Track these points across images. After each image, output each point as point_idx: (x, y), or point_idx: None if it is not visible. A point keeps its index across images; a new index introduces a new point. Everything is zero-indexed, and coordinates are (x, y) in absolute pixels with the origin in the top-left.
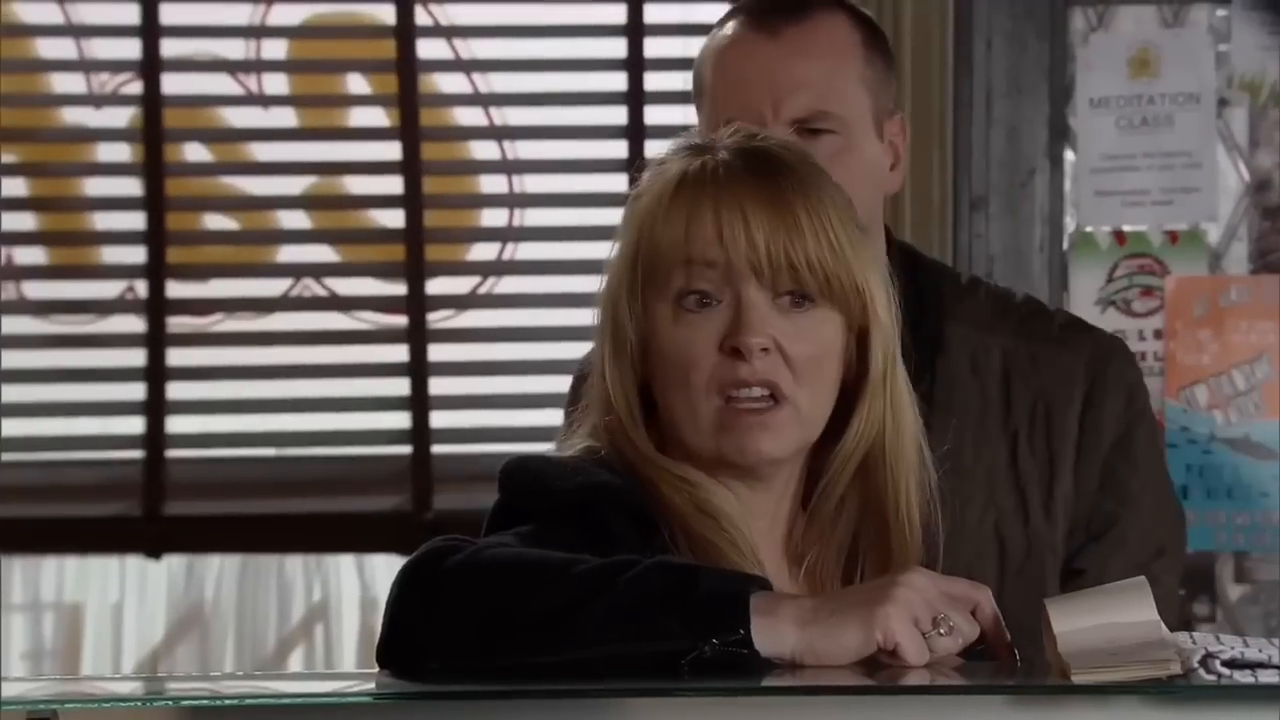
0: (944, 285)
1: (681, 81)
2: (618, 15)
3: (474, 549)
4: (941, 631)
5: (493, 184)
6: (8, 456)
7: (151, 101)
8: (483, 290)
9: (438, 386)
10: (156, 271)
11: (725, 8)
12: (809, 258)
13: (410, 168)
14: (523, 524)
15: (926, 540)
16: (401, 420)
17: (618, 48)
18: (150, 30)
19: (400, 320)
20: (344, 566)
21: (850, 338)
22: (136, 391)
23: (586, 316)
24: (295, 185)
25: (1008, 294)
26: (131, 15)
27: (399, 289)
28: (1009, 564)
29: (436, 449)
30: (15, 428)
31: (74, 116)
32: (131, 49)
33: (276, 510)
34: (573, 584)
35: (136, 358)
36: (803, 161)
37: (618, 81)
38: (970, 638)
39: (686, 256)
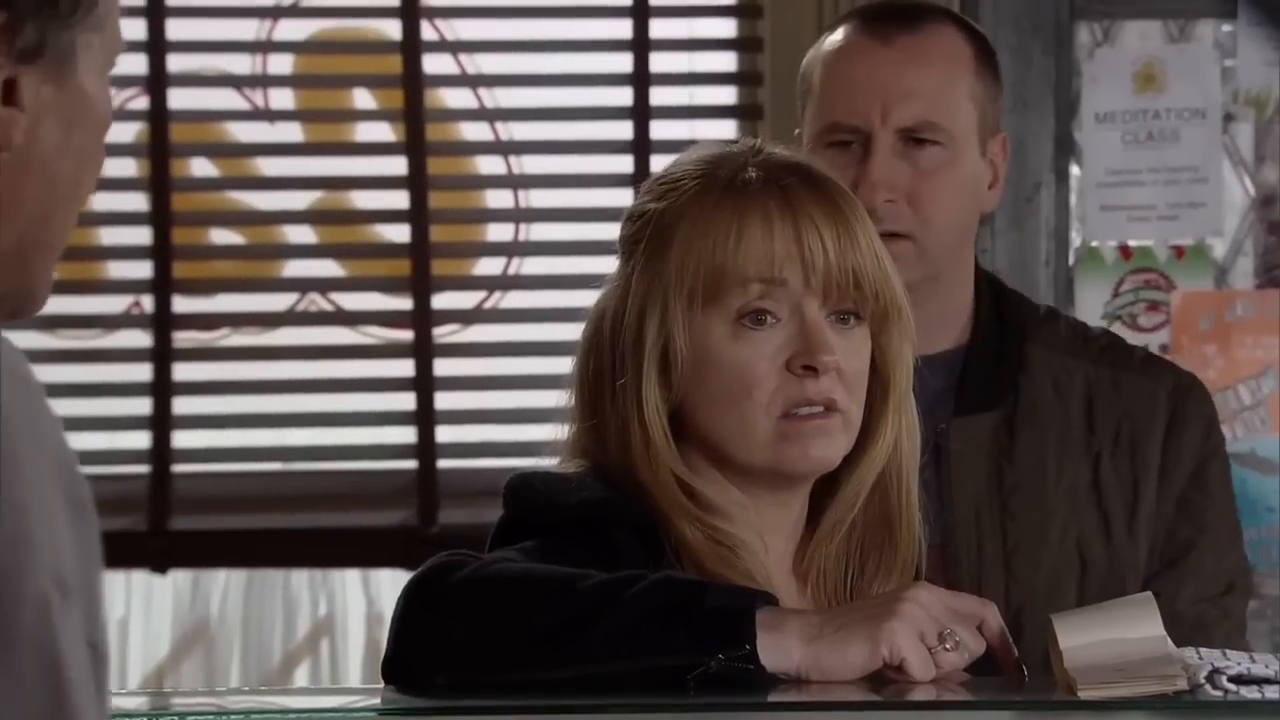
0: (1025, 311)
1: (687, 96)
2: (623, 30)
3: (479, 564)
4: (947, 647)
5: (498, 199)
6: None
7: (158, 116)
8: (488, 305)
9: (443, 401)
10: (162, 286)
11: (729, 22)
12: (868, 275)
13: (416, 182)
14: (527, 539)
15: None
16: (407, 435)
17: (623, 62)
18: (156, 45)
19: (406, 335)
20: (349, 581)
21: (873, 350)
22: (142, 406)
23: None
24: (301, 200)
25: (1085, 325)
26: (138, 30)
27: (405, 304)
28: (1090, 581)
29: (442, 464)
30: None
31: None
32: (138, 64)
33: (282, 525)
34: (578, 599)
35: (142, 372)
36: (835, 178)
37: (623, 96)
38: (976, 653)
39: (756, 274)
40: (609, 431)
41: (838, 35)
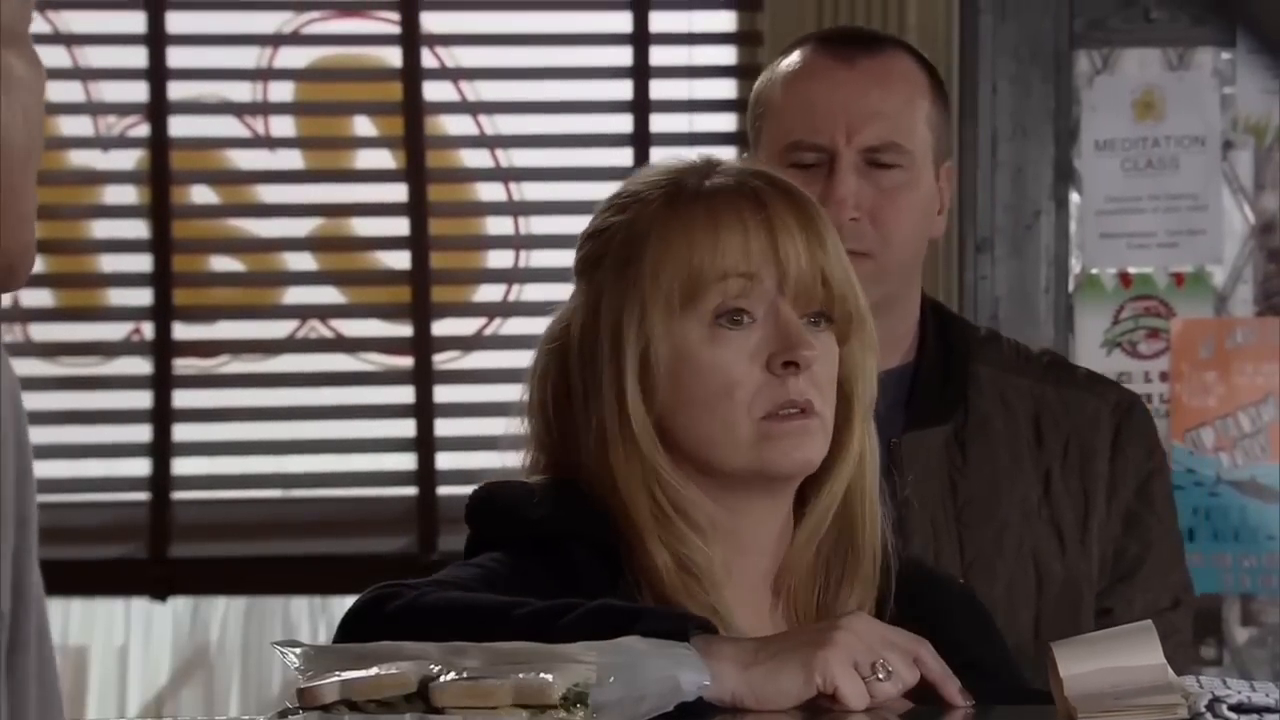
0: (967, 332)
1: (686, 123)
2: (623, 58)
3: (415, 594)
4: (880, 676)
5: (499, 225)
6: None
7: (158, 144)
8: (489, 331)
9: (444, 428)
10: (163, 313)
11: (729, 50)
12: (836, 278)
13: (416, 209)
14: (492, 553)
15: (885, 584)
16: (407, 462)
17: (623, 89)
18: (157, 73)
19: (406, 361)
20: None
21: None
22: (142, 433)
23: None
24: (301, 227)
25: (1026, 345)
26: (139, 58)
27: (405, 330)
28: (1047, 593)
29: (442, 490)
30: None
31: (81, 159)
32: (139, 92)
33: (282, 552)
34: (511, 628)
35: (142, 399)
36: (798, 187)
37: (623, 124)
38: (910, 683)
39: (725, 270)
40: (583, 449)
41: (795, 57)
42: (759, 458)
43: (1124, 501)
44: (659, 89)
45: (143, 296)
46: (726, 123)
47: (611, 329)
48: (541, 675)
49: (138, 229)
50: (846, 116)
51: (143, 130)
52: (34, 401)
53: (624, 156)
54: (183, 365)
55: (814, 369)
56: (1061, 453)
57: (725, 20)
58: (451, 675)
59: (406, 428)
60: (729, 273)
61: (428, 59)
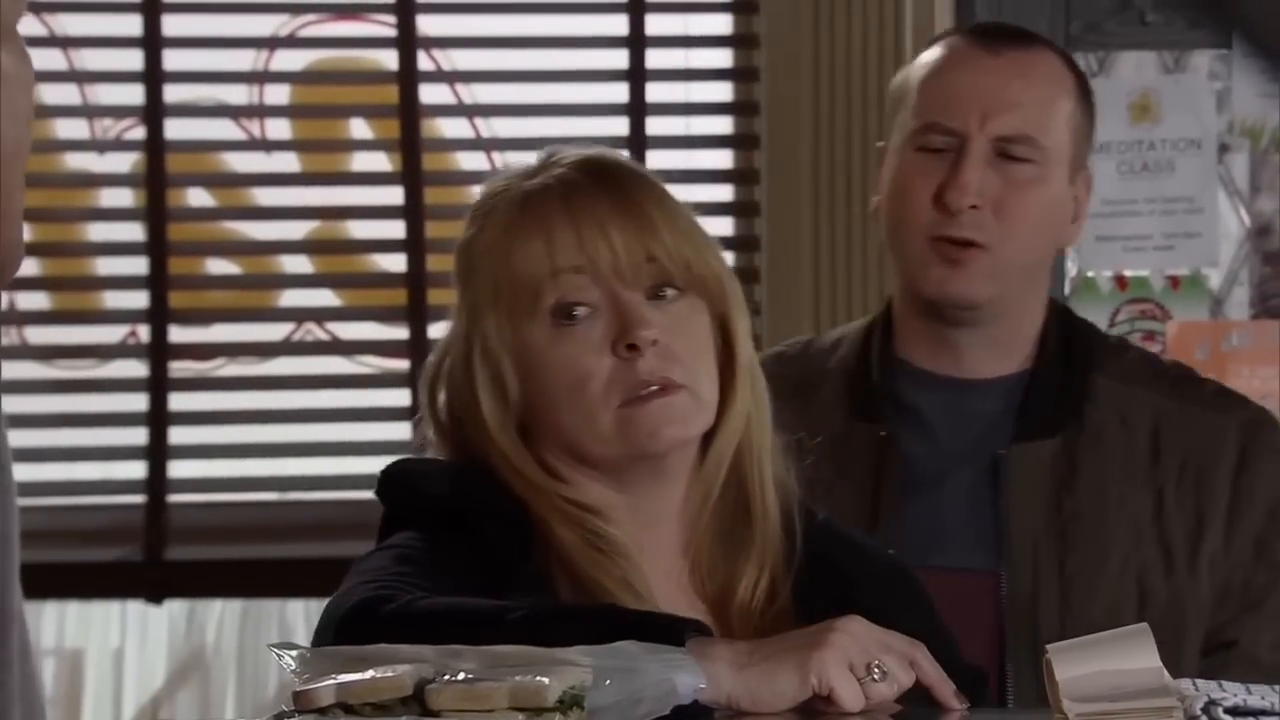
0: (1094, 342)
1: (683, 126)
2: (619, 61)
3: (407, 599)
4: (875, 677)
5: None
6: None
7: (154, 146)
8: None
9: None
10: (158, 316)
11: (725, 53)
12: (666, 248)
13: (413, 212)
14: (405, 530)
15: (789, 548)
16: None
17: (620, 93)
18: (153, 76)
19: (403, 364)
20: None
21: (715, 326)
22: (138, 436)
23: None
24: (297, 230)
25: (1156, 357)
26: (134, 61)
27: (401, 333)
28: (1149, 614)
29: None
30: (17, 473)
31: (77, 162)
32: (134, 94)
33: (278, 555)
34: (508, 633)
35: (138, 402)
36: (636, 165)
37: (620, 127)
38: (905, 685)
39: (552, 269)
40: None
41: (940, 46)
42: (627, 443)
43: (1252, 525)
44: (655, 92)
45: (138, 299)
46: (723, 125)
47: (463, 344)
48: (537, 678)
49: (133, 232)
50: (984, 103)
51: (138, 133)
52: (29, 404)
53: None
54: (179, 368)
55: (664, 343)
56: (1178, 470)
57: (722, 23)
58: (447, 678)
59: (403, 431)
60: (557, 270)
61: (424, 62)
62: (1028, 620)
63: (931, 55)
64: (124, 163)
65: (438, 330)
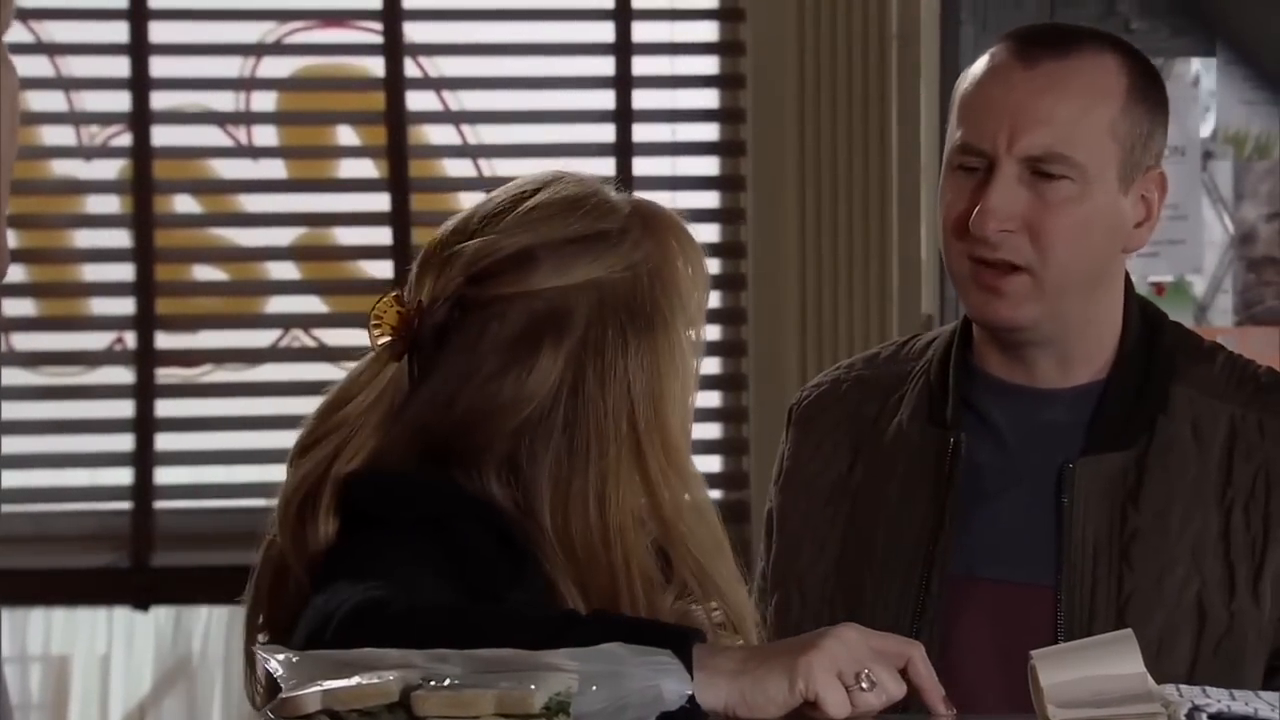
0: (1180, 348)
1: (669, 133)
2: (606, 68)
3: (409, 602)
4: (864, 686)
5: None
6: None
7: (141, 153)
8: None
9: None
10: (145, 322)
11: (711, 60)
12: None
13: (399, 219)
14: (372, 534)
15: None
16: None
17: (606, 99)
18: (140, 83)
19: None
20: None
21: None
22: (125, 443)
23: None
24: (284, 236)
25: (1250, 364)
26: (121, 68)
27: None
28: (1207, 636)
29: None
30: (3, 479)
31: (64, 169)
32: (121, 101)
33: None
34: (512, 641)
35: (125, 409)
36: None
37: (606, 133)
38: (896, 696)
39: None
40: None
41: (988, 54)
42: None
43: None
44: (641, 99)
45: (125, 306)
46: (709, 132)
47: None
48: (524, 685)
49: (120, 238)
50: (1011, 122)
51: (125, 140)
52: (16, 411)
53: (607, 166)
54: (165, 374)
55: None
56: (1250, 484)
57: (707, 30)
58: (433, 684)
59: None
60: None
61: (410, 69)
62: (1082, 637)
63: (976, 66)
64: (111, 169)
65: None
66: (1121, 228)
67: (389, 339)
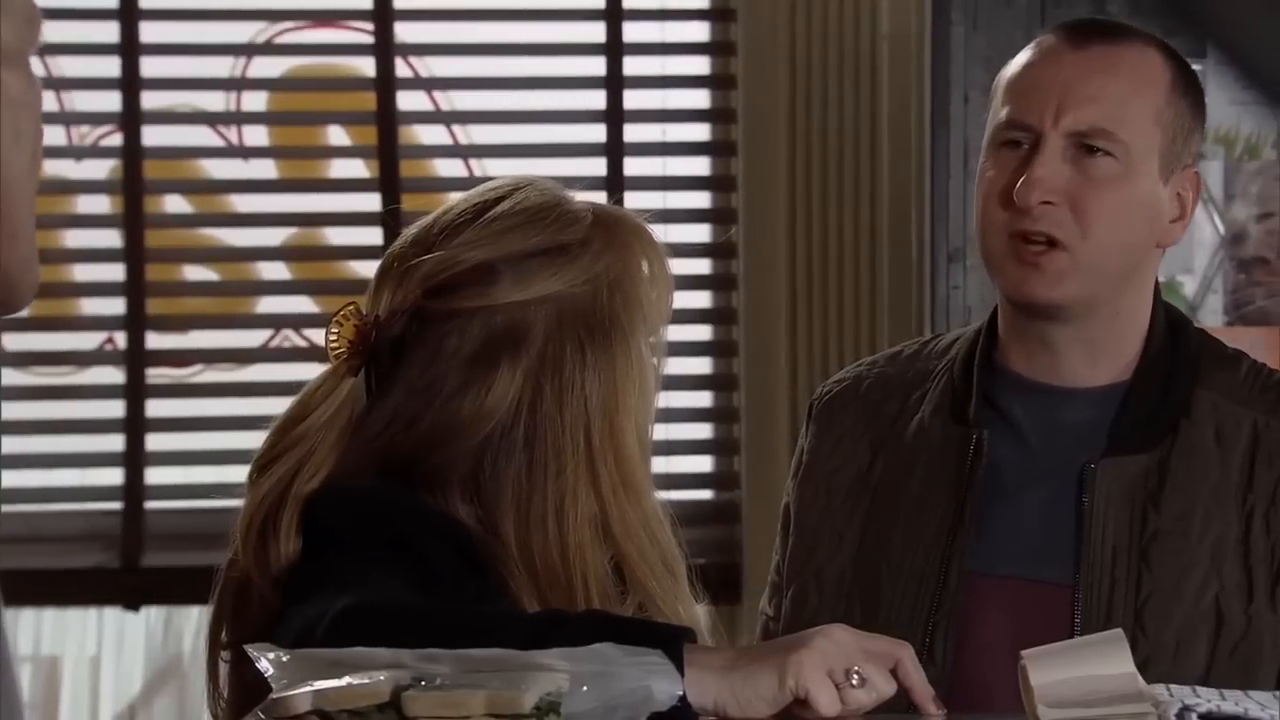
0: (1204, 353)
1: (660, 133)
2: (597, 68)
3: (399, 603)
4: (853, 684)
5: None
6: None
7: (132, 153)
8: None
9: None
10: (136, 322)
11: (702, 60)
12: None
13: (390, 219)
14: (335, 551)
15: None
16: None
17: (597, 99)
18: (131, 83)
19: None
20: None
21: None
22: (115, 443)
23: None
24: (275, 236)
25: (1274, 373)
26: (112, 68)
27: None
28: (1223, 640)
29: None
30: None
31: (54, 169)
32: (112, 101)
33: None
34: (508, 642)
35: (115, 409)
36: None
37: (597, 133)
38: (885, 694)
39: None
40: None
41: (1033, 43)
42: None
43: None
44: (633, 99)
45: (116, 306)
46: (700, 132)
47: None
48: (515, 685)
49: (111, 238)
50: (1060, 97)
51: (116, 140)
52: (7, 410)
53: (598, 166)
54: (156, 374)
55: None
56: (1270, 492)
57: (699, 30)
58: (424, 684)
59: None
60: None
61: (401, 69)
62: None
63: (1022, 54)
64: (101, 169)
65: None
66: (1159, 218)
67: (344, 353)
